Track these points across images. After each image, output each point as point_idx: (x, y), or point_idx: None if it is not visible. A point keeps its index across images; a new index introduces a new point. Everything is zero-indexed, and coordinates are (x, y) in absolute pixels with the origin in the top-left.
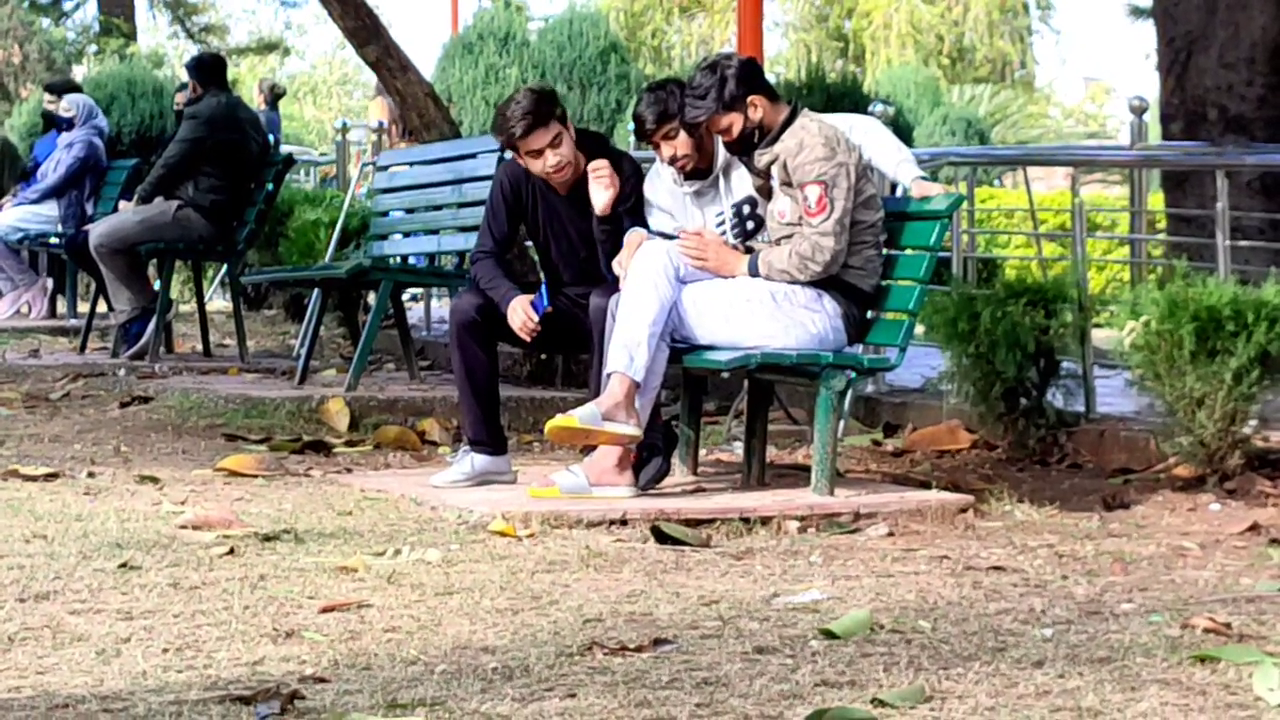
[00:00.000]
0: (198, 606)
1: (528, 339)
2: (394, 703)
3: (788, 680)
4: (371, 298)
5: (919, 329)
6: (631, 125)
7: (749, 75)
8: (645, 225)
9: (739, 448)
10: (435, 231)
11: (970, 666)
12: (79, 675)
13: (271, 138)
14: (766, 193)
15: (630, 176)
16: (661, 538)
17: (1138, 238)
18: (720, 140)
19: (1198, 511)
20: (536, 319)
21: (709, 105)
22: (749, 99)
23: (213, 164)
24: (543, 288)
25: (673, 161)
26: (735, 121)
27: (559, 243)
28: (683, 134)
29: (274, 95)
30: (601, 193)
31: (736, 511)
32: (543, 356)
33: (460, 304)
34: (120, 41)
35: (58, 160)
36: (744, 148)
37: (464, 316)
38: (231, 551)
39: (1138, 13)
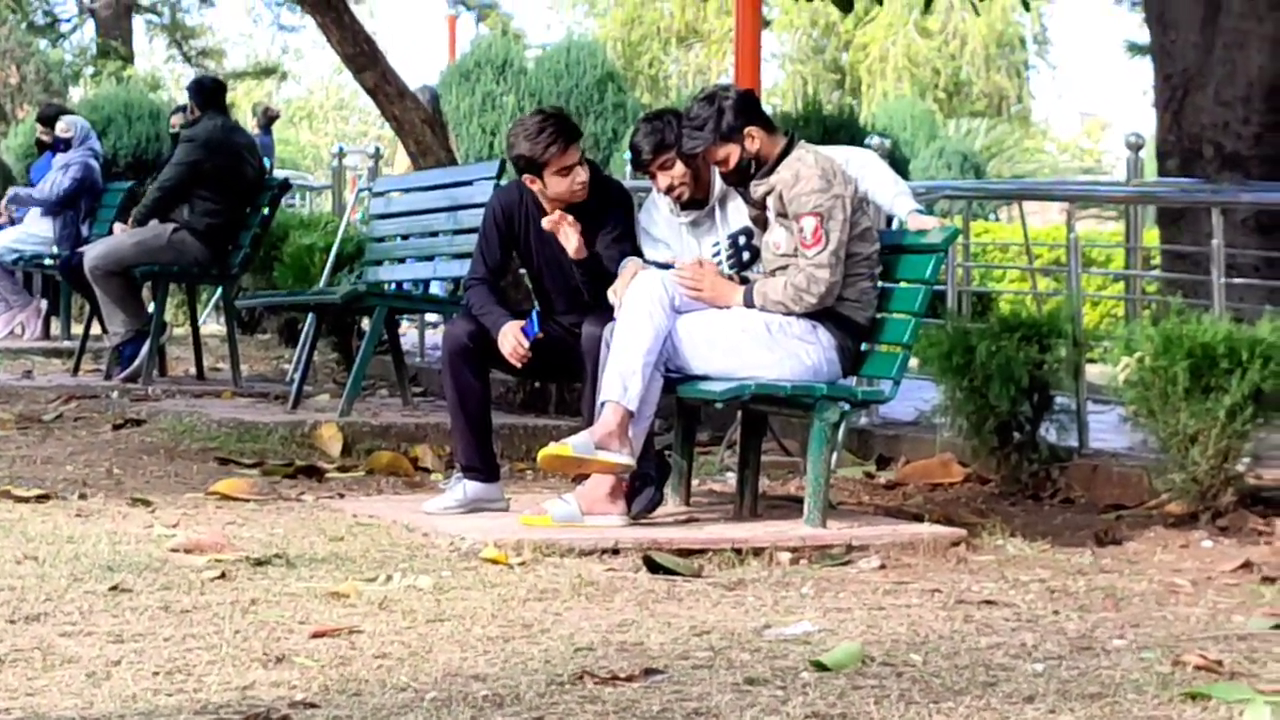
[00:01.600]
0: (188, 630)
1: (519, 365)
2: None
3: (778, 712)
4: (366, 323)
5: (913, 362)
6: (628, 154)
7: (746, 106)
8: (639, 254)
9: (732, 478)
10: (430, 258)
11: (961, 701)
12: (69, 697)
13: (266, 162)
14: (762, 224)
15: (621, 205)
16: (653, 567)
17: (1133, 274)
18: (717, 171)
19: (1190, 548)
20: (527, 345)
21: (706, 136)
22: (746, 130)
23: (209, 187)
24: (533, 314)
25: (669, 191)
26: (732, 152)
27: (551, 270)
28: (679, 164)
29: (267, 119)
30: (570, 238)
31: (729, 542)
32: (536, 384)
33: (453, 330)
34: (117, 64)
35: (53, 181)
36: (740, 179)
37: (457, 343)
38: (223, 575)
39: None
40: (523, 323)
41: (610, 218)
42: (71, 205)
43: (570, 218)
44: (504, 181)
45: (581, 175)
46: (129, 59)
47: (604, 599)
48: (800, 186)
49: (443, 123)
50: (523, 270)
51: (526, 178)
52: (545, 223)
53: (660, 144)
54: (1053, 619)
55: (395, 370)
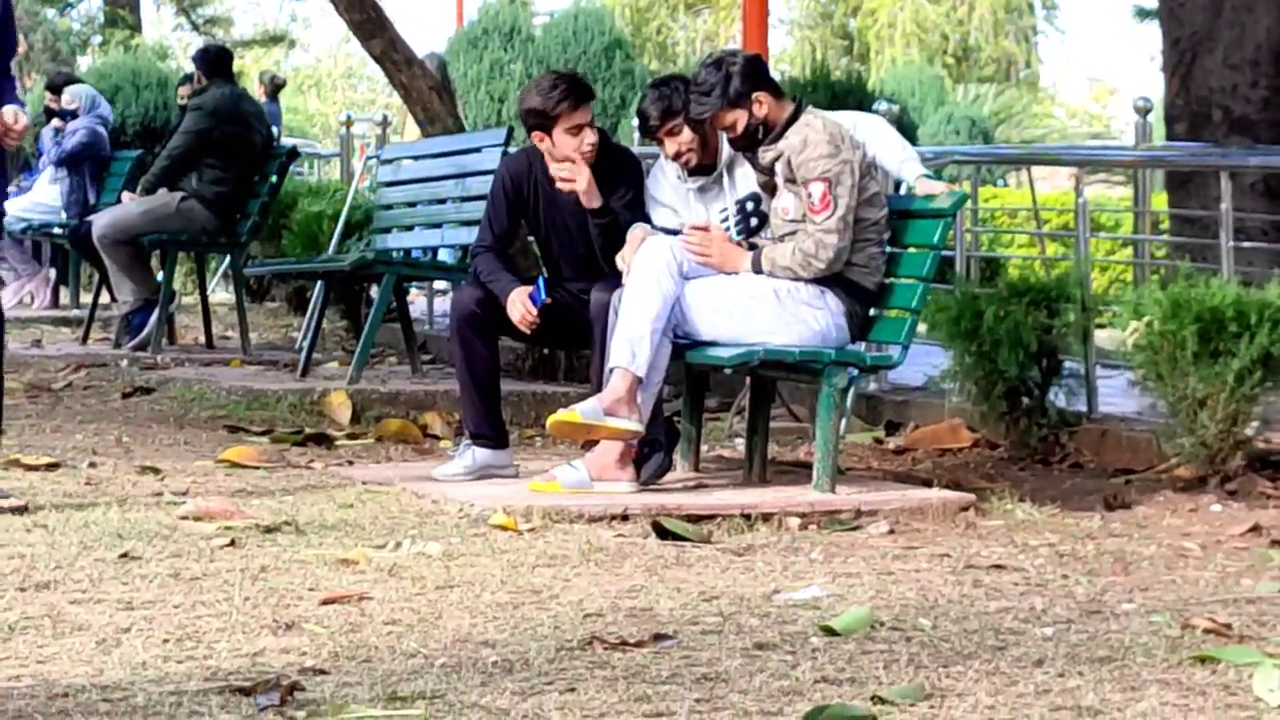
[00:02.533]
0: (198, 597)
1: (527, 331)
2: (394, 695)
3: (788, 677)
4: (374, 291)
5: (921, 327)
6: (636, 121)
7: (754, 72)
8: (648, 221)
9: (741, 444)
10: (438, 225)
11: (970, 665)
12: (79, 665)
13: (274, 130)
14: (770, 189)
15: (632, 171)
16: (663, 533)
17: (1141, 238)
18: (725, 137)
19: (1199, 512)
20: (535, 312)
21: (714, 101)
22: (754, 96)
23: (217, 156)
24: (540, 280)
25: (677, 157)
26: (740, 118)
27: (560, 237)
28: (687, 130)
29: (274, 87)
30: (582, 177)
31: (738, 508)
32: (544, 351)
33: (461, 297)
34: (125, 33)
35: (59, 145)
36: (748, 144)
37: (465, 310)
38: (232, 543)
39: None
40: (530, 289)
41: (621, 184)
42: (77, 171)
43: (572, 163)
44: (512, 149)
45: (590, 137)
46: (136, 27)
47: (613, 565)
48: (808, 152)
49: (450, 90)
50: (530, 237)
51: (535, 135)
52: (556, 170)
53: (668, 110)
54: (1062, 583)
55: (404, 338)
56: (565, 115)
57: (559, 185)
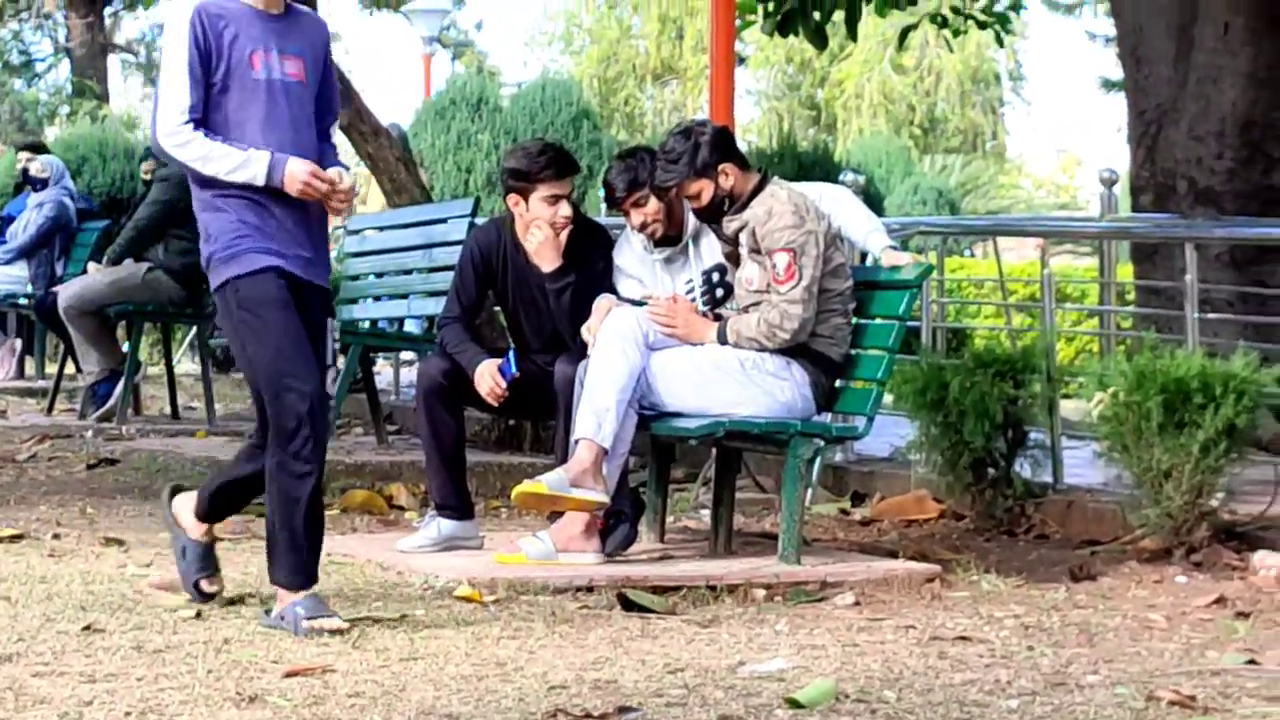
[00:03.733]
0: (161, 670)
1: (495, 404)
2: None
3: None
4: (340, 361)
5: (887, 398)
6: (602, 192)
7: (722, 143)
8: (614, 292)
9: (706, 515)
10: (405, 295)
11: None
12: None
13: None
14: (735, 259)
15: (601, 243)
16: (628, 605)
17: (1107, 309)
18: (690, 208)
19: (1164, 584)
20: (505, 385)
21: (681, 170)
22: (720, 167)
23: (183, 227)
24: (510, 354)
25: (643, 228)
26: (705, 188)
27: (527, 310)
28: (653, 201)
29: None
30: (546, 248)
31: (703, 579)
32: (510, 422)
33: (427, 368)
34: (93, 103)
35: (28, 220)
36: (713, 215)
37: (431, 381)
38: (197, 615)
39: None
40: (499, 361)
41: (590, 256)
42: (45, 244)
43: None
44: (480, 219)
45: (565, 209)
46: (104, 98)
47: (578, 636)
48: (773, 222)
49: (412, 160)
50: (497, 308)
51: (511, 197)
52: (526, 234)
53: (634, 182)
54: (1027, 655)
55: (370, 408)
56: (546, 182)
57: (525, 241)
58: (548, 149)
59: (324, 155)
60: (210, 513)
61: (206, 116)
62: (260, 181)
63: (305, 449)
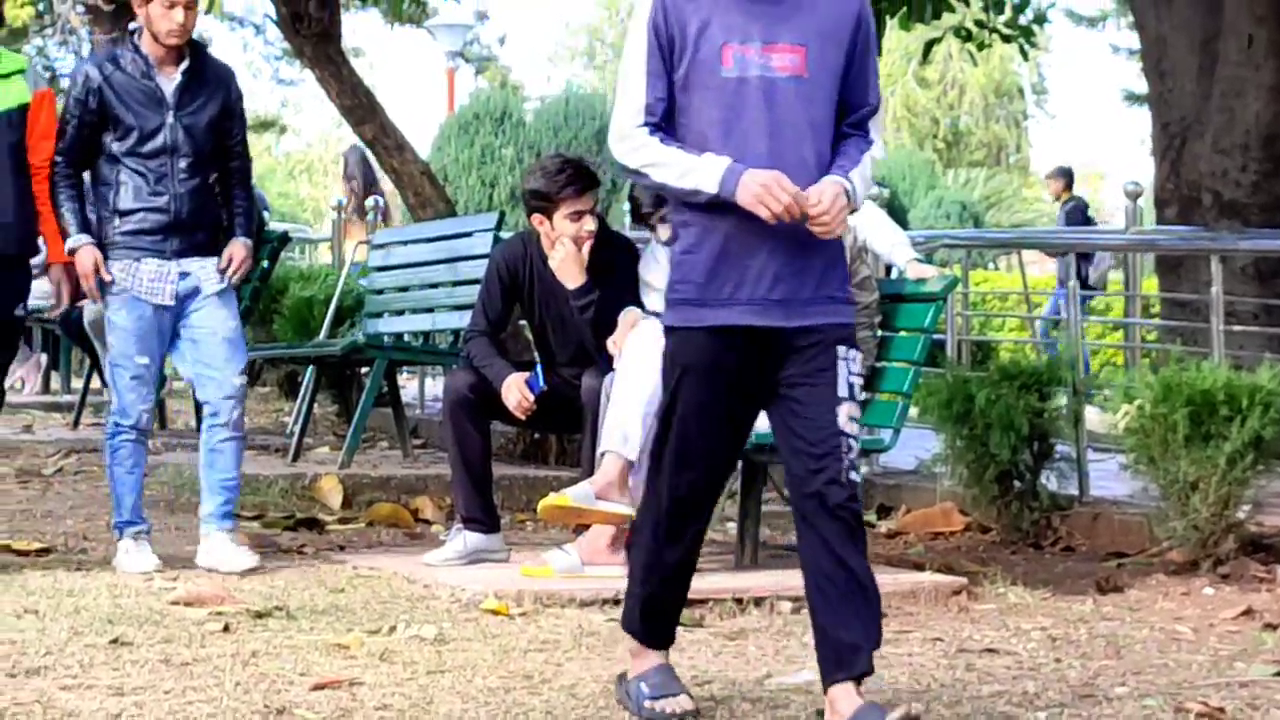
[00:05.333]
0: (189, 683)
1: (523, 418)
2: None
3: None
4: (366, 375)
5: (913, 411)
6: (627, 205)
7: None
8: (640, 305)
9: (732, 528)
10: (430, 309)
11: None
12: None
13: (264, 214)
14: None
15: (626, 257)
16: None
17: (1132, 321)
18: None
19: (1191, 596)
20: (532, 398)
21: None
22: None
23: None
24: (537, 368)
25: (669, 243)
26: None
27: (554, 324)
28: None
29: None
30: (569, 263)
31: (729, 592)
32: (536, 435)
33: (454, 382)
34: None
35: None
36: None
37: (458, 395)
38: (224, 628)
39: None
40: (527, 375)
41: (615, 269)
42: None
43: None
44: (505, 234)
45: (590, 224)
46: None
47: (605, 650)
48: None
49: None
50: (523, 322)
51: (535, 217)
52: (553, 251)
53: (660, 196)
54: (1054, 667)
55: (395, 422)
56: (568, 200)
57: (550, 259)
58: (566, 166)
59: (841, 159)
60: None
61: (671, 119)
62: (709, 189)
63: None
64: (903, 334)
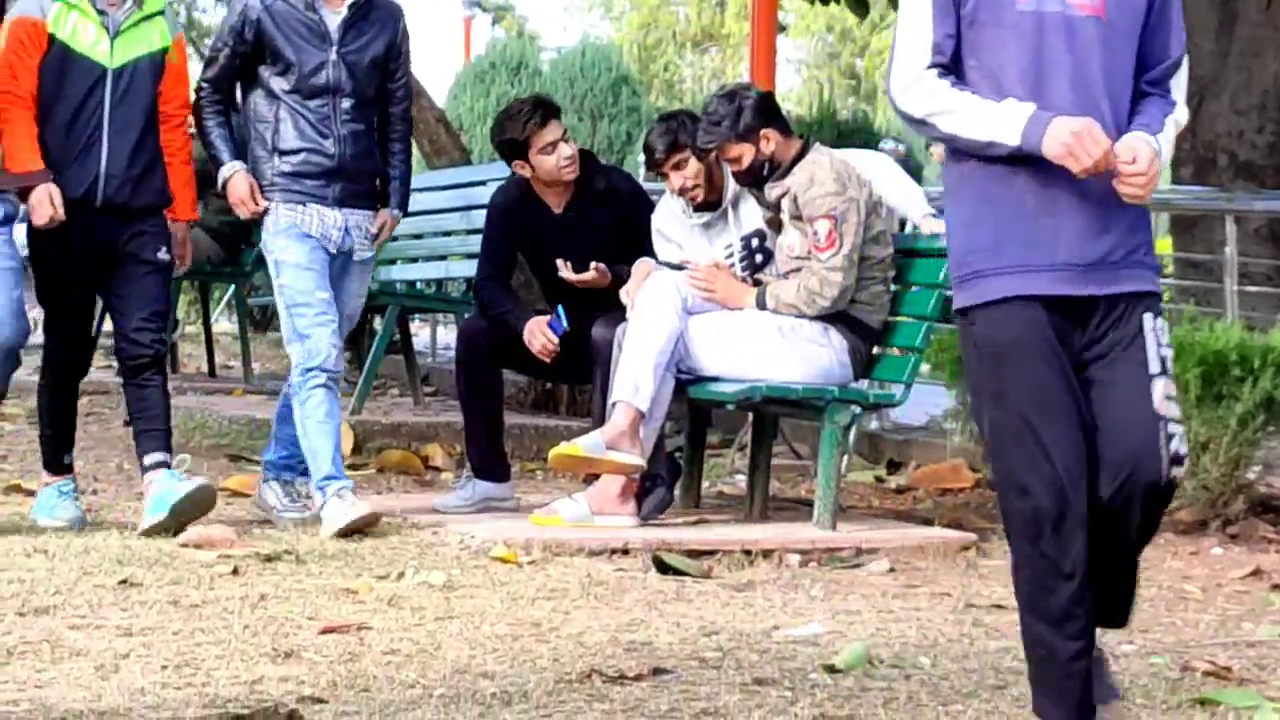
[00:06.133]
0: (197, 624)
1: (548, 360)
2: None
3: (786, 712)
4: (378, 322)
5: (925, 366)
6: (641, 156)
7: (765, 108)
8: (652, 254)
9: (742, 480)
10: (443, 258)
11: (970, 704)
12: (77, 690)
13: None
14: (776, 226)
15: (628, 196)
16: (663, 568)
17: None
18: (730, 172)
19: (1200, 555)
20: (556, 340)
21: (723, 132)
22: (762, 132)
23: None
24: (559, 308)
25: (683, 192)
26: (746, 152)
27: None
28: (692, 163)
29: None
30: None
31: (738, 544)
32: (547, 385)
33: (468, 328)
34: None
35: None
36: (752, 180)
37: (471, 342)
38: (233, 571)
39: None
40: (548, 318)
41: (609, 204)
42: None
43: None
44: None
45: (567, 150)
46: None
47: (613, 599)
48: (815, 189)
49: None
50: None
51: (516, 164)
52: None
53: (673, 144)
54: None
55: (407, 369)
56: (535, 136)
57: (528, 341)
58: (522, 105)
59: (1144, 118)
60: None
61: (958, 61)
62: (1009, 142)
63: None
64: (915, 288)
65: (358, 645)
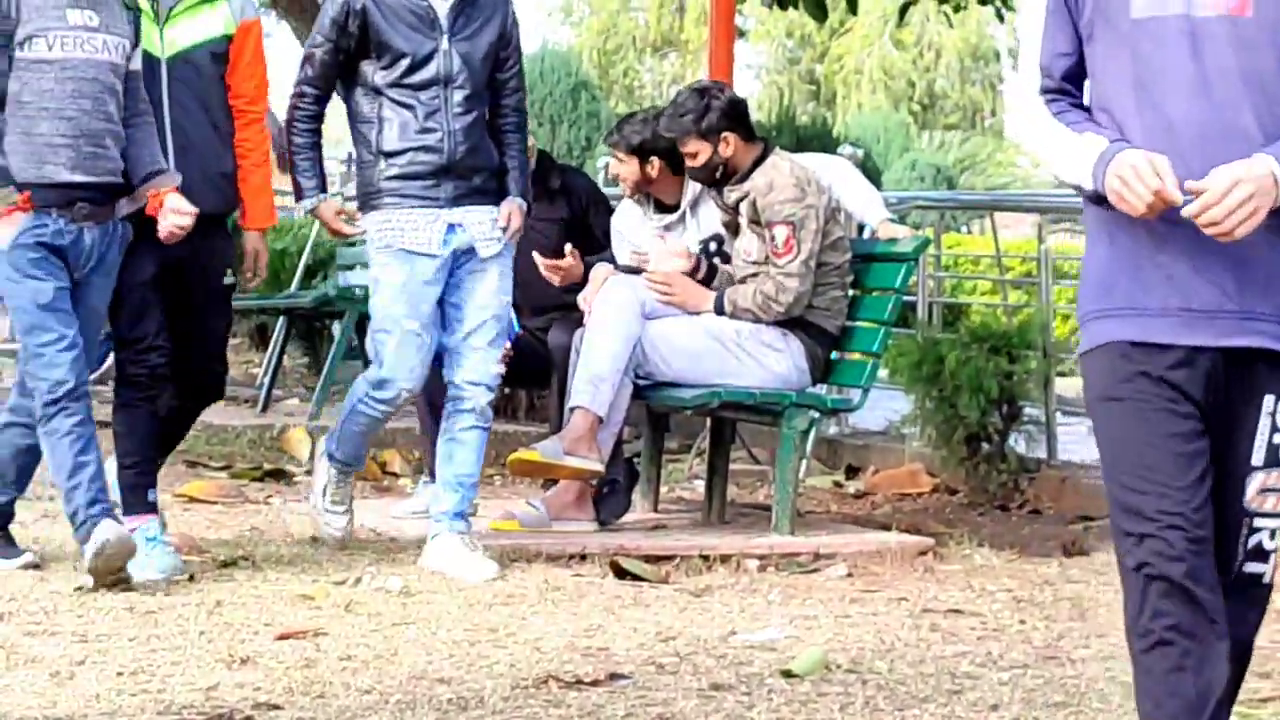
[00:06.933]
0: (153, 631)
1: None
2: None
3: (743, 718)
4: (336, 328)
5: (883, 371)
6: (601, 161)
7: (732, 112)
8: (609, 253)
9: (700, 485)
10: None
11: (926, 708)
12: (32, 697)
13: None
14: (734, 229)
15: (584, 193)
16: (620, 573)
17: None
18: (688, 173)
19: None
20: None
21: (685, 125)
22: (723, 134)
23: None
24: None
25: (617, 181)
26: (703, 150)
27: (517, 276)
28: (630, 161)
29: None
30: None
31: (696, 549)
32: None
33: None
34: None
35: None
36: (707, 179)
37: None
38: (190, 578)
39: None
40: None
41: (560, 198)
42: None
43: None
44: None
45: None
46: None
47: (570, 604)
48: (774, 195)
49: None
50: None
51: None
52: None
53: (618, 130)
54: (1019, 628)
55: None
56: None
57: (538, 261)
58: None
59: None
60: None
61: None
62: (1085, 185)
63: None
64: (874, 294)
65: (314, 651)
